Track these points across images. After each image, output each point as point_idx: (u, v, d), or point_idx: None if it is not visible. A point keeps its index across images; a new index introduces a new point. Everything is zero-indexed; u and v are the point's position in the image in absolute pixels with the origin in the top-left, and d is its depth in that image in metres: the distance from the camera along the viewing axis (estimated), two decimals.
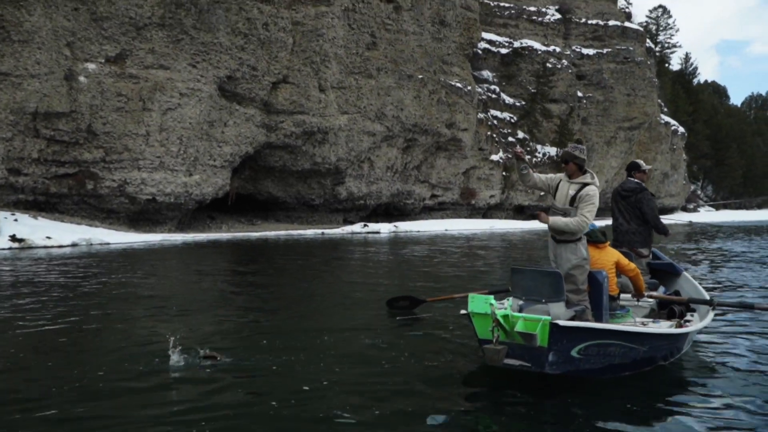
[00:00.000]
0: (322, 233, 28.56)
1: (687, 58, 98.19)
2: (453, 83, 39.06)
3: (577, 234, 5.83)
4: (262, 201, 32.88)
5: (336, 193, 33.47)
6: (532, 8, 51.05)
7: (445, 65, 38.77)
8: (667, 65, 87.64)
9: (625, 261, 6.35)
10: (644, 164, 7.93)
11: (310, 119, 29.74)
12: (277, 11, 27.94)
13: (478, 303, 4.89)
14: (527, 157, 6.35)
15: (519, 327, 4.74)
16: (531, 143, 48.23)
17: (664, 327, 5.87)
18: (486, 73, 46.92)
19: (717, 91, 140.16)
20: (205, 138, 26.75)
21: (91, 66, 24.06)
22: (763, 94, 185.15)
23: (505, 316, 4.78)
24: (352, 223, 33.96)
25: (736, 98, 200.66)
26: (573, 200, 5.88)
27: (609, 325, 5.16)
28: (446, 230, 34.05)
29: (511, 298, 5.21)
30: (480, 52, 46.18)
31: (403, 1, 34.57)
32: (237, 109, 27.71)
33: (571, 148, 6.11)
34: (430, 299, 8.27)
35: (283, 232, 28.30)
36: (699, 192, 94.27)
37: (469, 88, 40.57)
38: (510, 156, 38.81)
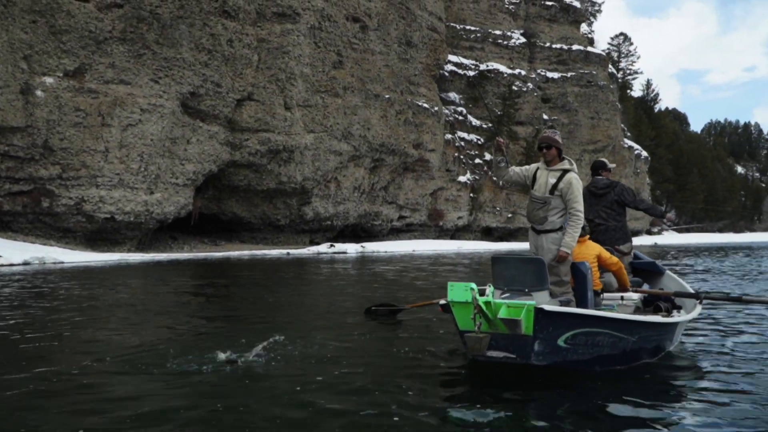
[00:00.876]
0: (288, 253, 27.94)
1: (648, 84, 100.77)
2: (420, 104, 39.07)
3: (555, 224, 5.59)
4: (226, 221, 32.15)
5: (302, 214, 32.92)
6: (498, 32, 51.70)
7: (412, 86, 38.80)
8: (629, 91, 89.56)
9: (607, 254, 6.10)
10: (609, 163, 7.78)
11: (275, 137, 29.29)
12: (242, 28, 27.59)
13: (458, 291, 4.44)
14: (502, 160, 6.02)
15: (502, 313, 4.38)
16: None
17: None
18: (453, 95, 47.16)
19: (678, 117, 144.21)
20: (167, 155, 26.09)
21: (48, 80, 23.37)
22: (722, 121, 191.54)
23: (488, 303, 4.41)
24: (318, 244, 33.41)
25: (696, 125, 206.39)
26: (554, 188, 5.61)
27: (597, 312, 4.81)
28: (414, 251, 33.69)
29: (492, 288, 4.77)
30: (447, 74, 46.46)
31: (369, 20, 34.56)
32: (200, 126, 27.15)
33: (551, 132, 5.82)
34: (409, 306, 7.94)
35: (246, 252, 27.60)
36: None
37: (436, 108, 40.64)
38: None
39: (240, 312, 8.16)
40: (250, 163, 29.36)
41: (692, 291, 6.61)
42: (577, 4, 58.79)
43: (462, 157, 45.60)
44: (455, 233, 45.47)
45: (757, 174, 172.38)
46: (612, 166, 7.80)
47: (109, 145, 24.37)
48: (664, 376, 4.77)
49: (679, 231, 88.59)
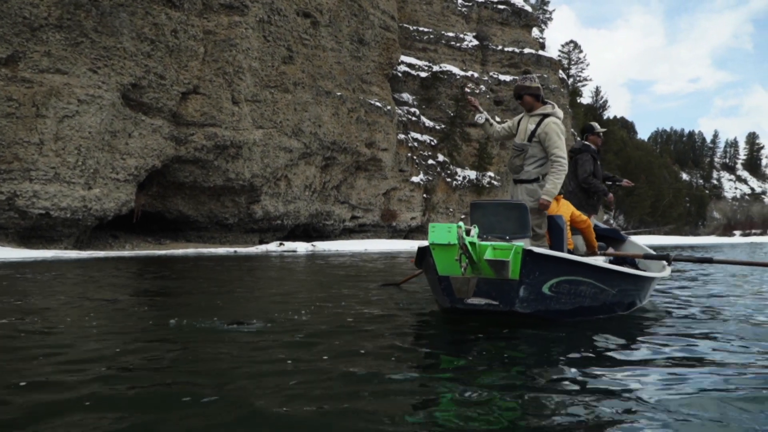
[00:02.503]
0: (235, 251, 27.03)
1: (597, 91, 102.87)
2: (372, 102, 38.64)
3: (532, 174, 5.44)
4: (171, 220, 31.00)
5: (251, 212, 32.04)
6: (451, 34, 51.74)
7: (364, 84, 38.34)
8: (579, 98, 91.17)
9: (577, 213, 5.98)
10: (598, 126, 7.69)
11: (222, 132, 28.39)
12: (187, 18, 26.66)
13: (441, 233, 4.06)
14: (480, 117, 5.88)
15: (488, 255, 4.06)
16: (451, 166, 48.35)
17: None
18: (406, 96, 46.91)
19: (625, 125, 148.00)
20: (106, 149, 24.95)
21: None
22: (668, 129, 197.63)
23: (472, 244, 4.03)
24: (268, 243, 32.54)
25: (644, 133, 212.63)
26: (532, 135, 5.41)
27: (584, 259, 4.64)
28: (366, 250, 33.14)
29: (476, 230, 4.34)
30: (400, 74, 46.22)
31: (320, 16, 33.98)
32: (143, 120, 26.07)
33: (521, 80, 5.63)
34: (400, 282, 7.73)
35: (192, 250, 26.59)
36: (612, 221, 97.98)
37: (389, 108, 40.27)
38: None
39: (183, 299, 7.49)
40: (196, 158, 28.38)
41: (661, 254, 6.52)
42: (529, 9, 59.42)
43: (415, 157, 45.35)
44: (408, 234, 45.13)
45: (701, 181, 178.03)
46: (601, 130, 7.67)
47: (44, 138, 23.11)
48: (633, 330, 4.51)
49: (628, 234, 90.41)
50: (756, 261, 5.56)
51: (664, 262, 6.17)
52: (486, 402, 2.42)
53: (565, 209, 5.91)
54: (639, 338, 4.02)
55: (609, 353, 3.45)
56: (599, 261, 5.17)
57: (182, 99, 27.24)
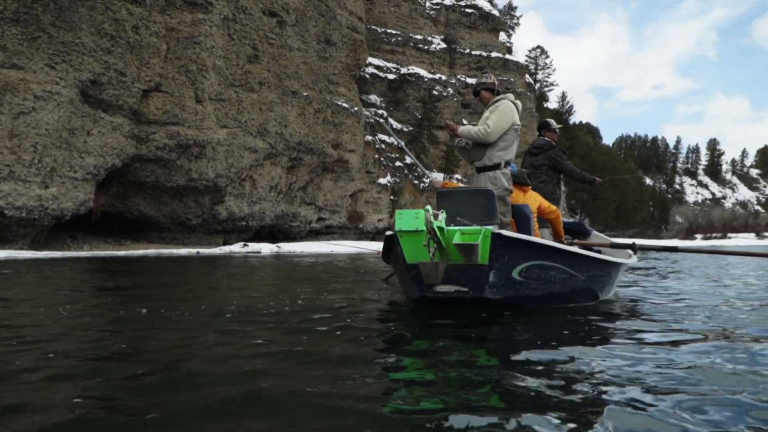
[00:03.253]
0: (197, 252, 26.53)
1: (563, 96, 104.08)
2: (339, 103, 38.41)
3: (493, 159, 5.44)
4: (132, 220, 30.32)
5: (215, 213, 31.52)
6: (419, 36, 51.81)
7: (331, 84, 38.10)
8: (545, 103, 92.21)
9: (546, 203, 5.99)
10: (554, 123, 7.83)
11: (185, 131, 27.86)
12: (149, 14, 26.12)
13: (408, 219, 3.88)
14: (460, 141, 5.87)
15: (457, 239, 3.94)
16: (418, 169, 48.34)
17: None
18: (374, 98, 46.80)
19: (590, 131, 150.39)
20: (64, 147, 24.27)
21: None
22: (632, 135, 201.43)
23: (440, 229, 3.93)
24: (232, 244, 32.05)
25: (610, 139, 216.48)
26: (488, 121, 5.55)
27: (553, 243, 4.50)
28: (332, 251, 32.86)
29: (444, 215, 4.25)
30: (367, 76, 46.08)
31: (287, 15, 33.66)
32: (102, 117, 25.44)
33: (479, 76, 5.78)
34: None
35: (152, 251, 26.01)
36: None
37: (356, 109, 40.08)
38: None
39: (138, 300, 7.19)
40: (157, 157, 27.80)
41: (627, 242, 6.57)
42: (496, 13, 59.84)
43: (382, 159, 45.24)
44: (375, 236, 44.97)
45: (664, 186, 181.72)
46: (557, 126, 7.81)
47: None
48: (598, 322, 4.36)
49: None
50: (717, 249, 5.59)
51: (630, 251, 6.17)
52: (451, 393, 2.28)
53: (533, 200, 5.91)
54: (607, 327, 3.95)
55: (576, 343, 3.32)
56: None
57: (144, 97, 26.67)
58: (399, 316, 4.45)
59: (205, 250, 27.70)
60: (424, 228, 3.80)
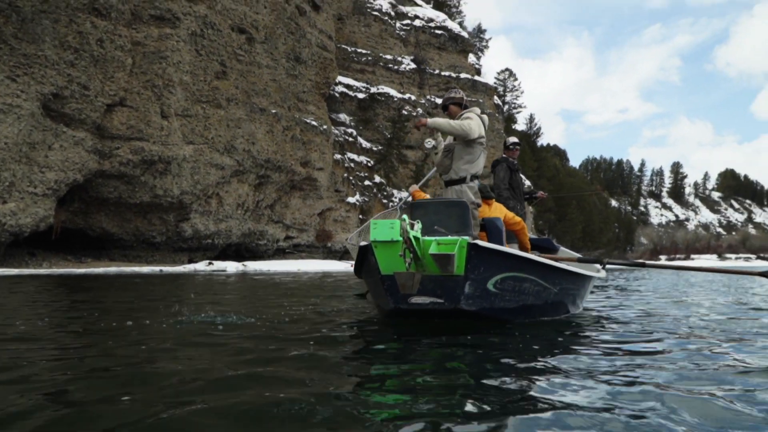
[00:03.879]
0: (161, 270, 25.95)
1: (531, 119, 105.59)
2: (308, 121, 38.26)
3: (458, 172, 5.47)
4: (94, 237, 29.56)
5: (180, 230, 30.95)
6: (389, 56, 52.08)
7: (300, 102, 37.95)
8: (513, 125, 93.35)
9: (510, 214, 5.99)
10: (510, 140, 7.88)
11: (150, 147, 27.38)
12: (115, 28, 25.72)
13: (383, 229, 3.83)
14: (429, 141, 5.94)
15: (433, 249, 3.89)
16: (387, 188, 48.33)
17: None
18: (343, 116, 46.76)
19: (558, 153, 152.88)
20: (24, 161, 23.62)
21: None
22: (597, 158, 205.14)
23: (416, 239, 3.84)
24: (197, 262, 31.48)
25: (576, 161, 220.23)
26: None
27: (527, 255, 4.49)
28: (299, 270, 32.47)
29: (419, 225, 4.16)
30: (337, 95, 46.08)
31: (256, 32, 33.51)
32: (64, 131, 24.86)
33: (447, 92, 5.84)
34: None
35: (114, 269, 25.35)
36: None
37: (325, 127, 39.96)
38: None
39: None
40: (121, 173, 27.24)
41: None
42: (465, 35, 60.55)
43: (351, 178, 45.11)
44: (344, 255, 44.64)
45: (629, 208, 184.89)
46: (511, 142, 7.84)
47: None
48: (569, 333, 4.36)
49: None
50: (684, 266, 5.60)
51: (598, 266, 6.20)
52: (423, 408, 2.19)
53: (498, 212, 5.90)
54: (574, 344, 3.87)
55: (546, 359, 3.22)
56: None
57: (108, 111, 26.18)
58: (373, 326, 4.42)
59: (168, 268, 27.12)
60: (400, 238, 3.74)
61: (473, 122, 5.40)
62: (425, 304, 4.06)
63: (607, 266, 6.02)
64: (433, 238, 4.07)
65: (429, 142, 5.74)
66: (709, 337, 3.94)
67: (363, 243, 4.31)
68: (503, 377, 2.65)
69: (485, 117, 5.70)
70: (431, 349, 3.32)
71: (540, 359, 3.07)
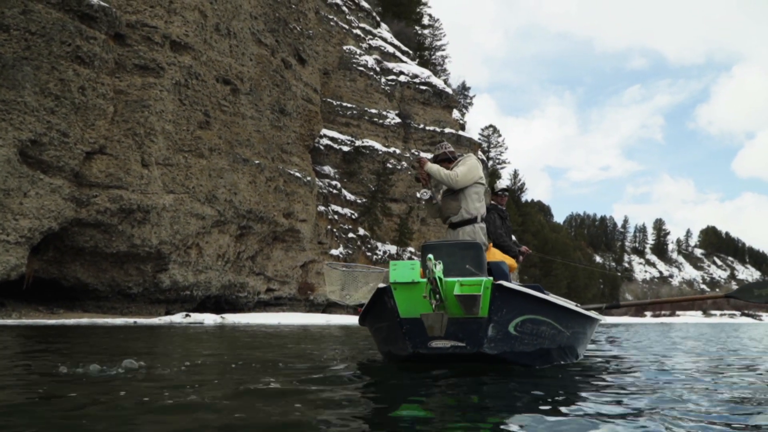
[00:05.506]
0: (134, 322, 25.11)
1: (515, 174, 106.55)
2: (292, 172, 38.11)
3: (470, 211, 5.46)
4: (68, 287, 28.70)
5: (158, 281, 30.20)
6: (374, 110, 52.53)
7: (284, 154, 37.86)
8: (498, 180, 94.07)
9: (511, 260, 6.13)
10: (498, 185, 7.82)
11: (129, 195, 26.91)
12: (97, 76, 25.58)
13: (404, 270, 3.76)
14: (425, 193, 5.90)
15: (457, 290, 3.72)
16: (371, 240, 47.97)
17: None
18: (327, 168, 46.74)
19: (542, 209, 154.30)
20: None
21: None
22: (581, 214, 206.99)
23: (440, 279, 3.68)
24: (174, 315, 30.59)
25: (560, 217, 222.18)
26: None
27: (546, 296, 4.42)
28: (280, 323, 31.67)
29: (441, 265, 3.96)
30: (322, 147, 46.17)
31: (241, 84, 33.60)
32: (41, 178, 24.37)
33: (435, 148, 5.90)
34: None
35: (86, 320, 24.48)
36: None
37: (308, 178, 39.80)
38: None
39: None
40: (98, 222, 26.66)
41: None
42: (450, 91, 61.44)
43: (335, 230, 44.75)
44: (327, 308, 43.87)
45: (613, 263, 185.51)
46: (499, 189, 7.73)
47: None
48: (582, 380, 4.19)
49: None
50: (676, 297, 5.56)
51: (595, 313, 6.24)
52: None
53: (499, 256, 5.98)
54: (584, 390, 3.67)
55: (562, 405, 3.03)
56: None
57: (87, 159, 25.81)
58: (376, 366, 4.39)
59: (143, 320, 26.27)
60: (420, 279, 3.67)
61: (463, 168, 5.43)
62: (446, 348, 3.88)
63: (605, 313, 6.13)
64: (455, 279, 3.90)
65: (425, 193, 5.69)
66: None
67: (381, 285, 4.14)
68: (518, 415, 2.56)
69: (483, 159, 5.81)
70: (444, 394, 3.16)
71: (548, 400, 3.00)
